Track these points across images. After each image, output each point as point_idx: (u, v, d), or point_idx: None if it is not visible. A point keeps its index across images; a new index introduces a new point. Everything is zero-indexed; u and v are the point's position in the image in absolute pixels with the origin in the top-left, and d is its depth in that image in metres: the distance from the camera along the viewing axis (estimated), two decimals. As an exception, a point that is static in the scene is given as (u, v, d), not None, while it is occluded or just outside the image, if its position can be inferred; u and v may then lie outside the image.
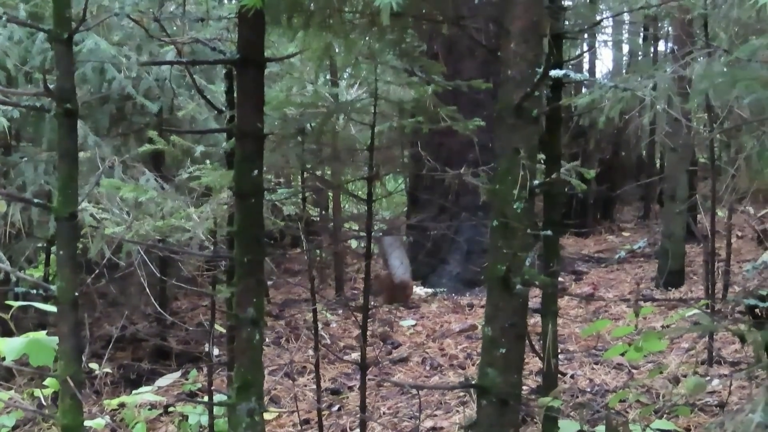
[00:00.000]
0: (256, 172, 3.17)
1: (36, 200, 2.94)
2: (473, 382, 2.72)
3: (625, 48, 15.60)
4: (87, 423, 4.31)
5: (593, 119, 9.25)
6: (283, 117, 4.32)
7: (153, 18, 3.80)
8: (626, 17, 12.28)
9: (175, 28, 5.71)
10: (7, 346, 3.61)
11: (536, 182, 2.55)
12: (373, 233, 4.51)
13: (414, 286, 9.55)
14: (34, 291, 3.16)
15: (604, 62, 29.09)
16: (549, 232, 2.74)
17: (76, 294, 2.71)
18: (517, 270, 2.56)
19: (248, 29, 3.16)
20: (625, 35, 14.36)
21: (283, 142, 4.40)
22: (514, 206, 2.55)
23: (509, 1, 2.57)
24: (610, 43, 15.71)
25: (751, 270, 5.00)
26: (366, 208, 4.45)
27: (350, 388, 6.31)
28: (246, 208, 3.17)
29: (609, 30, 13.03)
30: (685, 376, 5.43)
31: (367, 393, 6.02)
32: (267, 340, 7.69)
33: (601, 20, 3.86)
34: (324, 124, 4.41)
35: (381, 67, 4.32)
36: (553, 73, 2.46)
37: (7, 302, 3.89)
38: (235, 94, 3.43)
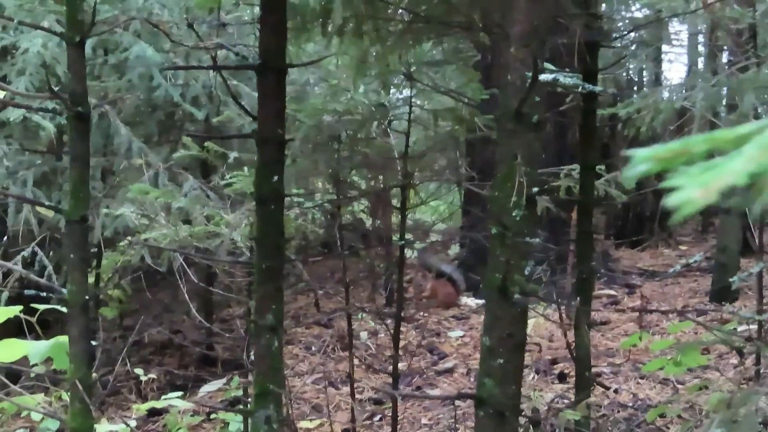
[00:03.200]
0: (276, 177, 3.14)
1: (47, 203, 2.96)
2: (471, 393, 2.68)
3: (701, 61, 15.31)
4: (111, 428, 4.33)
5: (653, 130, 9.15)
6: (318, 124, 4.31)
7: (186, 24, 3.79)
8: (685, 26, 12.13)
9: (227, 32, 5.76)
10: (33, 349, 3.63)
11: (535, 189, 2.50)
12: (416, 243, 4.49)
13: (465, 296, 9.52)
14: (44, 294, 3.16)
15: (675, 71, 28.86)
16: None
17: (87, 297, 2.70)
18: (515, 279, 2.51)
19: (269, 34, 3.14)
20: (701, 45, 14.14)
21: (317, 149, 4.39)
22: (513, 214, 2.50)
23: (509, 5, 2.52)
24: (681, 55, 15.46)
25: (737, 281, 4.86)
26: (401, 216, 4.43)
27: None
28: (266, 214, 3.14)
29: (677, 41, 12.89)
30: (731, 393, 5.31)
31: (409, 404, 6.00)
32: (313, 348, 7.69)
33: (631, 30, 3.77)
34: (358, 131, 4.40)
35: (417, 74, 4.30)
36: (543, 77, 2.40)
37: (32, 305, 3.92)
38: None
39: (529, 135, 2.52)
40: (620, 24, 4.53)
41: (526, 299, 2.55)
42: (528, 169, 2.47)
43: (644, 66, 13.47)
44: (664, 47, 13.00)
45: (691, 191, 0.52)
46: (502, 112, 2.57)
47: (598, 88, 3.42)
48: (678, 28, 12.25)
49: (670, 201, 0.52)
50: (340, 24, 3.72)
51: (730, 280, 4.91)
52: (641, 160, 0.57)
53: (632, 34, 4.49)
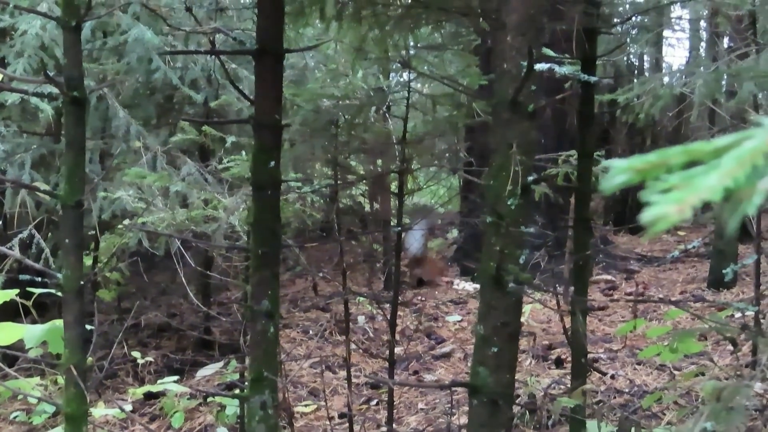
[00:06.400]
0: (272, 163, 3.12)
1: (43, 188, 2.95)
2: (464, 381, 2.67)
3: (702, 46, 15.18)
4: (106, 412, 4.33)
5: (651, 116, 9.12)
6: (315, 109, 4.30)
7: (185, 7, 3.77)
8: (687, 12, 12.08)
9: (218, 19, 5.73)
10: (28, 333, 3.64)
11: (530, 178, 2.49)
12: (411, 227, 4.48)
13: (462, 280, 9.51)
14: (39, 278, 3.16)
15: (677, 56, 28.74)
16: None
17: (82, 282, 2.70)
18: (509, 268, 2.50)
19: (266, 19, 3.12)
20: (704, 30, 14.04)
21: (315, 134, 4.37)
22: (508, 203, 2.49)
23: (506, -7, 2.51)
24: (682, 40, 15.34)
25: (729, 273, 4.85)
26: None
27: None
28: (262, 199, 3.13)
29: (678, 26, 12.80)
30: (727, 379, 5.32)
31: (405, 389, 5.99)
32: (311, 332, 7.69)
33: (630, 17, 3.75)
34: (356, 116, 4.38)
35: (415, 59, 4.28)
36: (538, 66, 2.39)
37: (29, 289, 3.92)
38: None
39: (524, 124, 2.51)
40: (621, 9, 4.50)
41: (520, 288, 2.55)
42: (523, 158, 2.46)
43: (645, 51, 13.42)
44: (666, 32, 12.93)
45: (665, 207, 0.51)
46: (498, 100, 2.56)
47: (593, 78, 3.41)
48: (680, 13, 12.18)
49: (644, 217, 0.52)
50: (338, 8, 3.71)
51: (723, 271, 4.90)
52: (619, 171, 0.57)
53: (633, 19, 4.47)
